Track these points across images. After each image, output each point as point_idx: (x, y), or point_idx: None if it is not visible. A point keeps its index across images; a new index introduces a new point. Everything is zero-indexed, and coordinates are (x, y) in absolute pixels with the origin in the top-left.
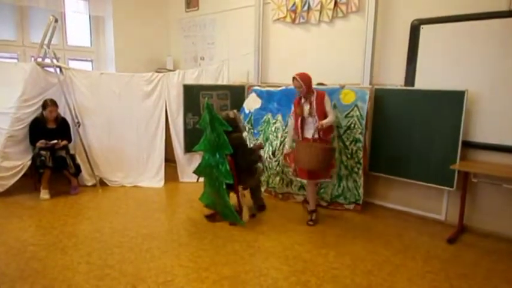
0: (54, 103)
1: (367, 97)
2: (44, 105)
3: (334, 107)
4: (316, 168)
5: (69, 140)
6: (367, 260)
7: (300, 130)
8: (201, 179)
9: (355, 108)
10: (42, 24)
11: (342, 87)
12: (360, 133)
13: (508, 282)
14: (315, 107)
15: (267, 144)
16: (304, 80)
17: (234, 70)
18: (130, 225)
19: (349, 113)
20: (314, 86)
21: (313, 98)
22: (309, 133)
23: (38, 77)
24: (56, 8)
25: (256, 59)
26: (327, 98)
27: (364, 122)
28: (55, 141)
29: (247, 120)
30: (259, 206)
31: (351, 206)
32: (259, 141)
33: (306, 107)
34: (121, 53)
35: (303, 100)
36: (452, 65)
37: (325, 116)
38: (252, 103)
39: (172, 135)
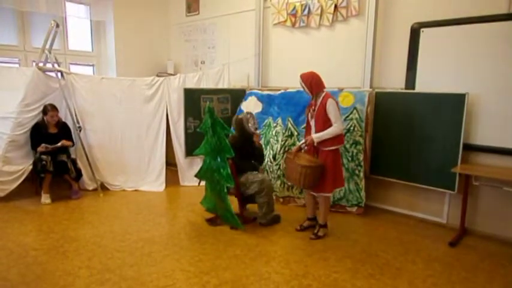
0: (54, 108)
1: (366, 99)
2: (45, 111)
3: None
4: (299, 185)
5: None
6: (368, 264)
7: (305, 133)
8: (203, 183)
9: (354, 110)
10: (44, 29)
11: (341, 90)
12: (360, 135)
13: (510, 285)
14: (316, 110)
15: (268, 148)
16: (303, 79)
17: (235, 74)
18: (131, 230)
19: (348, 116)
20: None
21: (319, 100)
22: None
23: (40, 81)
24: (57, 13)
25: (257, 62)
26: (329, 103)
27: (363, 125)
28: (58, 144)
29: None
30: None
31: (354, 209)
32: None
33: (311, 109)
34: (122, 57)
35: (313, 101)
36: (452, 68)
37: (325, 123)
38: (252, 106)
39: (173, 139)
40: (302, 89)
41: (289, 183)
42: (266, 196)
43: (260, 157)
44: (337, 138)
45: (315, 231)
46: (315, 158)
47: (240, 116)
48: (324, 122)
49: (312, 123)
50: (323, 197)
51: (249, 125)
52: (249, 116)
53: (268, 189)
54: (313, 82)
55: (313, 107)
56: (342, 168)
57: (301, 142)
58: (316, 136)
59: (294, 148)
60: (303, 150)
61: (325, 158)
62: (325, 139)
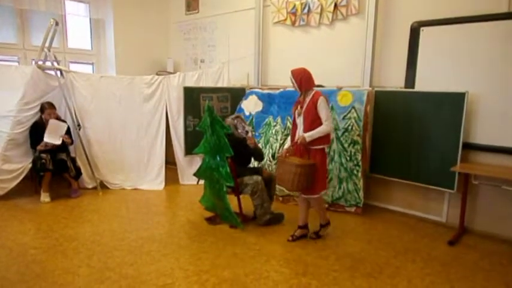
0: (51, 105)
1: (365, 98)
2: (42, 109)
3: (332, 109)
4: (290, 188)
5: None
6: (367, 262)
7: (292, 132)
8: (202, 182)
9: (353, 110)
10: (43, 27)
11: (340, 89)
12: (358, 135)
13: (509, 284)
14: (305, 107)
15: (268, 147)
16: (294, 74)
17: (234, 72)
18: (130, 228)
19: (346, 115)
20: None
21: (308, 98)
22: (296, 137)
23: (39, 80)
24: (57, 11)
25: (256, 61)
26: (320, 101)
27: (361, 124)
28: (59, 142)
29: (248, 122)
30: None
31: (352, 209)
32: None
33: (299, 106)
34: (121, 55)
35: (301, 98)
36: (452, 67)
37: (313, 122)
38: (253, 106)
39: (173, 138)
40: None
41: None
42: (259, 198)
43: (259, 156)
44: (326, 138)
45: (295, 233)
46: (305, 158)
47: (227, 124)
48: (313, 120)
49: (299, 121)
50: (314, 199)
51: (238, 131)
52: (236, 121)
53: (261, 192)
54: (303, 78)
55: (301, 104)
56: (327, 170)
57: (288, 144)
58: (307, 135)
59: (283, 151)
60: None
61: (314, 157)
62: (315, 138)
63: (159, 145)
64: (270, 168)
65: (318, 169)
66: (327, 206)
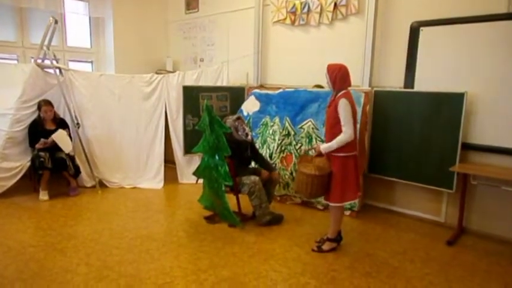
0: (47, 103)
1: (362, 100)
2: (39, 106)
3: None
4: (305, 197)
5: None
6: (365, 262)
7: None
8: (201, 181)
9: None
10: (42, 26)
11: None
12: None
13: (507, 284)
14: (328, 108)
15: (265, 147)
16: (329, 70)
17: (234, 72)
18: (129, 227)
19: None
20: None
21: (336, 99)
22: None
23: (38, 78)
24: (56, 9)
25: (256, 60)
26: (341, 104)
27: (359, 126)
28: (71, 148)
29: (246, 122)
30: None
31: (347, 212)
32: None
33: (327, 107)
34: (121, 54)
35: (332, 98)
36: (451, 67)
37: (334, 126)
38: (250, 106)
39: (172, 137)
40: (301, 88)
41: (292, 184)
42: (257, 199)
43: (269, 168)
44: (348, 145)
45: (319, 243)
46: (328, 163)
47: (227, 125)
48: (332, 125)
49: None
50: (332, 207)
51: (239, 133)
52: (237, 123)
53: (259, 192)
54: (338, 76)
55: (329, 105)
56: (355, 180)
57: (309, 148)
58: (323, 147)
59: (302, 153)
60: (311, 154)
61: (333, 165)
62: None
63: (158, 144)
64: None
65: (334, 177)
66: (322, 208)
